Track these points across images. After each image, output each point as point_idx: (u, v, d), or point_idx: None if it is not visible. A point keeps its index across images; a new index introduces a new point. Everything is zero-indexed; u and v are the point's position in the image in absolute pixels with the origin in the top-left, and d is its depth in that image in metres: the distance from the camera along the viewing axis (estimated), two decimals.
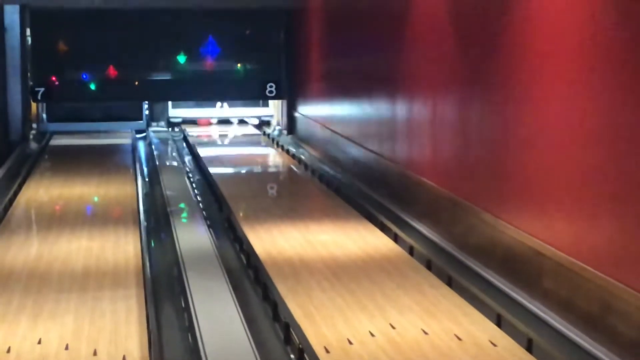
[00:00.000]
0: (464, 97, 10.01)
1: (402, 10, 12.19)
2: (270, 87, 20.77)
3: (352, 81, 15.39)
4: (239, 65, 21.24)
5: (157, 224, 11.62)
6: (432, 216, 10.89)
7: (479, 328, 7.26)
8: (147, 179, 15.20)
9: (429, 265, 9.23)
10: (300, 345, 6.75)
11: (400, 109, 12.62)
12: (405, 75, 12.26)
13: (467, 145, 9.89)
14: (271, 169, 18.06)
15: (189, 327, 7.42)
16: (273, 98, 21.33)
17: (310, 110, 19.14)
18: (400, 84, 12.49)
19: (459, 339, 7.01)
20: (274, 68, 20.93)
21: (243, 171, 17.08)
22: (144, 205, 12.41)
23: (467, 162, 9.86)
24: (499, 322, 7.41)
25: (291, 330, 7.18)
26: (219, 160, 17.41)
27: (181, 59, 20.96)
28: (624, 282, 6.57)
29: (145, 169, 16.30)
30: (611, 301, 6.74)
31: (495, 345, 6.85)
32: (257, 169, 17.90)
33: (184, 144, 19.84)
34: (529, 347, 6.81)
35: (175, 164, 17.56)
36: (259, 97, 21.82)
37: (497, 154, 9.03)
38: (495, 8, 8.99)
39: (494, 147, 9.11)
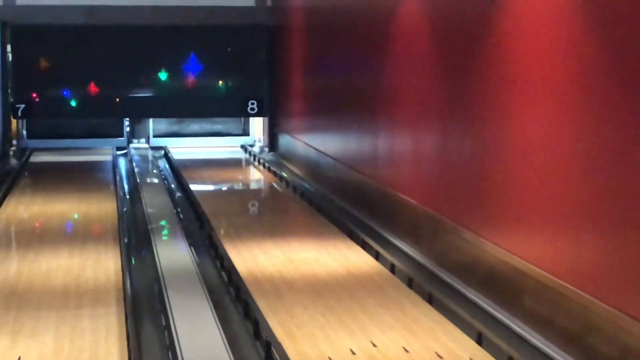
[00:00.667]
0: (445, 116, 10.04)
1: (384, 29, 12.23)
2: (252, 104, 20.80)
3: (334, 99, 15.42)
4: (220, 82, 21.24)
5: (137, 241, 11.57)
6: (413, 234, 10.90)
7: (459, 346, 7.27)
8: (127, 196, 15.15)
9: (410, 283, 9.23)
10: None
11: (382, 128, 12.64)
12: (387, 94, 12.29)
13: (448, 164, 9.91)
14: (253, 187, 18.05)
15: (169, 346, 7.38)
16: (255, 115, 21.33)
17: (292, 128, 19.15)
18: (382, 103, 12.51)
19: (440, 356, 7.02)
20: (255, 85, 20.95)
21: (224, 188, 17.06)
22: (124, 222, 12.37)
23: (449, 181, 9.88)
24: (479, 340, 7.41)
25: (272, 348, 7.16)
26: (200, 178, 17.38)
27: (162, 76, 20.96)
28: (605, 301, 6.58)
29: (125, 186, 16.25)
30: (592, 320, 6.75)
31: None
32: (239, 186, 17.89)
33: (166, 162, 19.80)
34: None
35: (156, 181, 17.51)
36: (241, 115, 21.83)
37: (478, 173, 9.05)
38: (475, 31, 9.03)
39: (475, 166, 9.13)
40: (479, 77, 8.95)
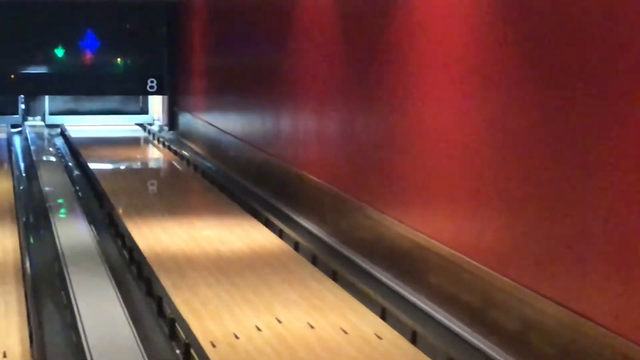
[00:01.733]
0: (351, 97, 10.07)
1: (289, 8, 12.20)
2: (152, 82, 20.53)
3: (236, 78, 15.34)
4: (119, 60, 20.92)
5: (36, 220, 11.33)
6: (318, 212, 10.92)
7: (364, 322, 7.30)
8: (24, 175, 14.82)
9: (314, 261, 9.25)
10: (186, 341, 6.67)
11: (286, 107, 12.62)
12: (291, 73, 12.27)
13: (354, 145, 9.94)
14: (153, 165, 17.86)
15: (71, 323, 7.26)
16: (154, 94, 21.08)
17: (193, 107, 18.99)
18: (286, 82, 12.49)
19: (345, 332, 7.04)
20: (155, 63, 20.69)
21: (124, 167, 16.83)
22: (21, 200, 12.10)
23: (355, 160, 9.92)
24: (384, 315, 7.47)
25: (177, 325, 7.10)
26: (99, 156, 17.11)
27: (59, 52, 20.54)
28: (507, 275, 6.70)
29: (22, 165, 15.90)
30: (494, 294, 6.87)
31: (380, 338, 6.91)
32: (139, 165, 17.68)
33: (62, 140, 19.44)
34: (414, 339, 6.88)
35: (53, 159, 17.18)
36: (140, 93, 21.55)
37: (383, 154, 9.11)
38: (380, 13, 9.07)
39: (380, 147, 9.19)
40: (386, 60, 8.99)
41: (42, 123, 21.91)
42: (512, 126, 6.68)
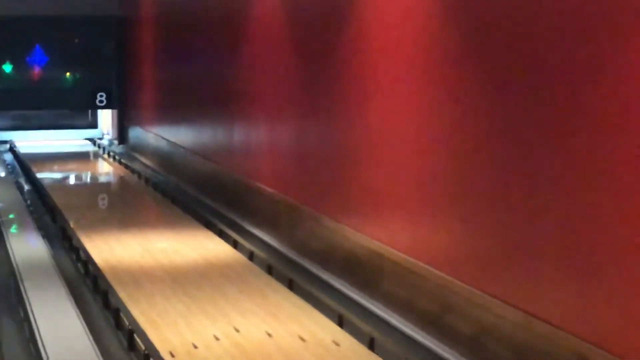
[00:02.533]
0: (303, 108, 10.15)
1: (240, 21, 12.26)
2: (101, 96, 20.47)
3: (187, 90, 15.35)
4: (67, 74, 20.82)
5: None
6: (272, 222, 10.98)
7: (321, 329, 7.39)
8: None
9: (269, 271, 9.31)
10: (145, 351, 6.69)
11: (238, 118, 12.67)
12: (242, 84, 12.33)
13: (307, 154, 10.02)
14: (105, 179, 17.78)
15: (30, 338, 7.24)
16: (104, 107, 21.00)
17: (143, 120, 18.95)
18: (238, 94, 12.54)
19: (303, 339, 7.12)
20: (104, 77, 20.63)
21: (76, 182, 16.77)
22: None
23: (308, 170, 10.00)
24: (341, 322, 7.55)
25: (135, 336, 7.12)
26: (49, 171, 17.03)
27: (7, 68, 20.40)
28: (462, 279, 6.81)
29: None
30: (450, 299, 6.98)
31: (338, 344, 6.99)
32: (90, 179, 17.60)
33: (12, 155, 19.29)
34: (372, 345, 6.97)
35: (2, 174, 17.03)
36: (89, 107, 21.45)
37: (336, 162, 9.19)
38: (330, 24, 9.17)
39: (333, 155, 9.27)
40: (336, 71, 9.09)
41: None
42: (465, 134, 6.80)
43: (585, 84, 5.36)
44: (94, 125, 22.36)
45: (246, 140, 12.29)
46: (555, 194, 5.69)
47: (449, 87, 6.99)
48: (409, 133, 7.69)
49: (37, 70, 20.60)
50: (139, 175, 16.15)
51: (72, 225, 11.32)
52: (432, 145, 7.30)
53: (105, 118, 22.07)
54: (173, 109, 16.50)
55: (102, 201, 14.77)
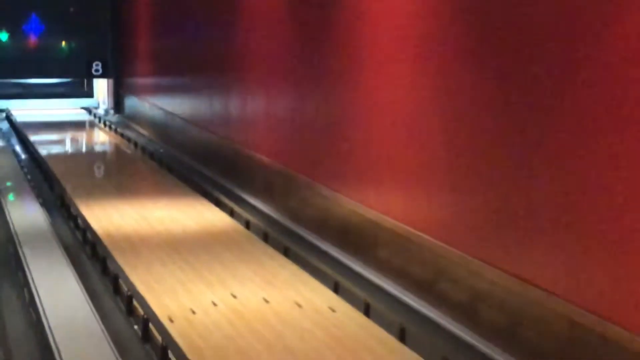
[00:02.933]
0: (300, 78, 10.20)
1: None
2: (97, 65, 20.50)
3: (183, 59, 15.38)
4: (63, 43, 20.84)
5: None
6: (268, 191, 11.07)
7: (317, 295, 7.48)
8: None
9: (265, 238, 9.40)
10: (145, 316, 6.80)
11: (235, 88, 12.72)
12: (239, 53, 12.37)
13: (304, 124, 10.09)
14: (101, 148, 17.84)
15: (30, 303, 7.33)
16: (99, 77, 21.04)
17: (139, 90, 18.98)
18: (234, 62, 12.59)
19: (299, 306, 7.21)
20: (100, 46, 20.65)
21: (72, 150, 16.86)
22: None
23: (305, 139, 10.07)
24: (336, 289, 7.65)
25: (134, 302, 7.22)
26: (46, 140, 17.08)
27: (3, 36, 20.40)
28: (456, 246, 6.91)
29: None
30: (443, 266, 7.08)
31: (334, 310, 7.09)
32: (87, 148, 17.67)
33: (8, 124, 19.33)
34: (367, 311, 7.07)
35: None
36: (85, 76, 21.48)
37: (333, 132, 9.27)
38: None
39: (330, 125, 9.34)
40: (335, 38, 9.14)
41: None
42: (461, 103, 6.88)
43: (576, 42, 5.44)
44: (89, 94, 22.40)
45: (242, 109, 12.36)
46: (550, 163, 5.78)
47: (449, 54, 7.05)
48: (405, 101, 7.76)
49: (33, 39, 20.60)
50: (135, 145, 16.22)
51: (69, 193, 11.39)
52: (428, 113, 7.37)
53: (100, 87, 22.10)
54: (169, 79, 16.54)
55: (99, 170, 14.84)
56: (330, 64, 9.25)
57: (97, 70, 20.61)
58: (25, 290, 7.69)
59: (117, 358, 6.08)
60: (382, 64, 8.13)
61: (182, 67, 15.44)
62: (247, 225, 10.05)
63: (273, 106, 11.13)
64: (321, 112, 9.57)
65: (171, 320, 6.75)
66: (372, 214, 8.30)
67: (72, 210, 10.58)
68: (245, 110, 12.23)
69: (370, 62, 8.37)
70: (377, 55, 8.24)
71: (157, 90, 17.41)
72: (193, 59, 14.73)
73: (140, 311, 6.96)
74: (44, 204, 11.13)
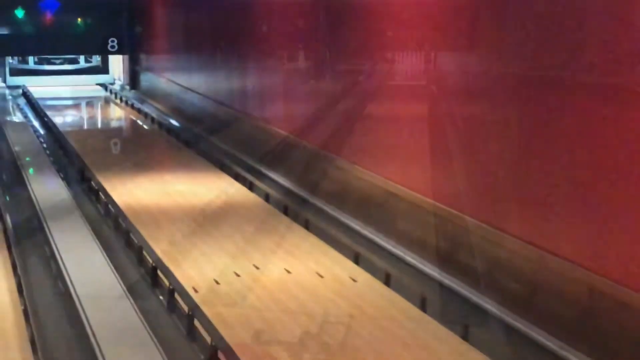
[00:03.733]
0: (317, 50, 10.26)
1: None
2: (112, 42, 20.57)
3: (200, 35, 15.44)
4: (79, 19, 20.91)
5: (9, 177, 11.48)
6: (287, 165, 11.14)
7: (338, 266, 7.61)
8: None
9: (285, 211, 9.51)
10: (170, 287, 6.93)
11: (251, 62, 12.79)
12: (257, 28, 12.42)
13: (321, 95, 10.16)
14: (119, 124, 17.96)
15: (57, 275, 7.47)
16: (115, 53, 21.11)
17: (155, 66, 19.06)
18: (252, 38, 12.64)
19: (321, 276, 7.34)
20: (116, 23, 20.70)
21: (90, 126, 16.99)
22: None
23: (322, 111, 10.13)
24: (357, 260, 7.76)
25: (159, 273, 7.35)
26: (63, 116, 17.23)
27: (19, 13, 20.48)
28: (475, 217, 7.00)
29: None
30: (461, 236, 7.17)
31: (355, 280, 7.21)
32: (104, 123, 17.81)
33: (25, 100, 19.46)
34: (387, 281, 7.18)
35: (17, 119, 17.23)
36: (101, 52, 21.57)
37: (350, 104, 9.33)
38: None
39: (347, 97, 9.40)
40: (353, 17, 9.20)
41: (3, 85, 21.86)
42: (472, 74, 6.95)
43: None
44: (105, 70, 22.50)
45: (260, 83, 12.43)
46: (567, 137, 5.86)
47: (457, 30, 7.12)
48: (425, 76, 7.84)
49: (48, 16, 20.68)
50: (152, 120, 16.32)
51: (89, 168, 11.52)
52: (446, 86, 7.45)
53: (116, 64, 22.20)
54: (186, 54, 16.61)
55: (118, 145, 14.96)
56: (348, 37, 9.31)
57: (112, 47, 20.68)
58: (52, 262, 7.83)
59: (144, 325, 6.21)
60: (403, 32, 8.18)
61: (199, 43, 15.50)
62: (267, 198, 10.15)
63: (290, 80, 11.18)
64: (339, 86, 9.61)
65: (196, 291, 6.88)
66: (391, 185, 8.38)
67: (93, 184, 10.70)
68: (263, 84, 12.29)
69: (389, 37, 8.42)
70: (394, 31, 8.29)
71: (174, 65, 17.48)
72: (210, 35, 14.79)
73: (166, 282, 7.09)
74: (65, 179, 11.26)
